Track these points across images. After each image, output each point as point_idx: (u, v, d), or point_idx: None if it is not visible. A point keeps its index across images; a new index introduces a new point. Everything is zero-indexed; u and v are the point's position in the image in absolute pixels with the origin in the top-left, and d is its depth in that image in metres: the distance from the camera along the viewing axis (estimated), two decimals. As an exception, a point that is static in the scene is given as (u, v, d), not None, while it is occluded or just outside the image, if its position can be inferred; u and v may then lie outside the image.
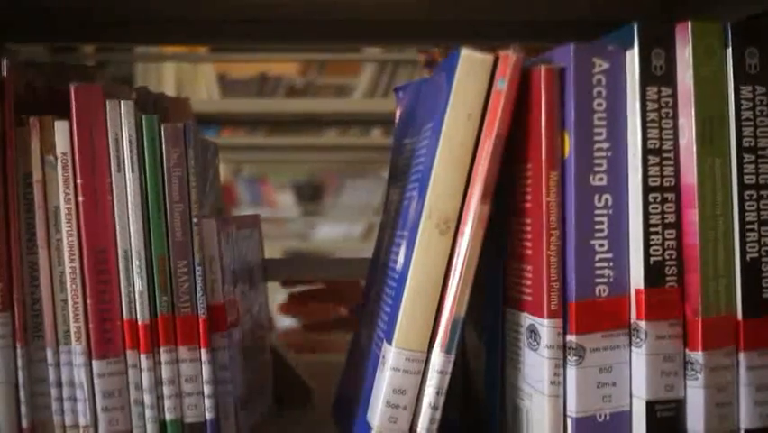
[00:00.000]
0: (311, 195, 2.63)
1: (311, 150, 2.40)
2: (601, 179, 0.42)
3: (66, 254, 0.47)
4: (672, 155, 0.42)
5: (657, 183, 0.42)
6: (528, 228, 0.44)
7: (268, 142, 2.62)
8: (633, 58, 0.42)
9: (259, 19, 0.72)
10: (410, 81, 0.58)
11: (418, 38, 0.80)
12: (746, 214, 0.42)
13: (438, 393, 0.43)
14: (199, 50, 2.15)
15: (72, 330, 0.47)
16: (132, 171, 0.47)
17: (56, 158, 0.47)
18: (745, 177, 0.42)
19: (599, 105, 0.42)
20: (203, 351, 0.48)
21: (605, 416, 0.43)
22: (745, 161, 0.42)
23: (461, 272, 0.43)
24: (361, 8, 0.69)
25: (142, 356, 0.48)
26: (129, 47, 1.85)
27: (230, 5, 0.68)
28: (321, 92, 2.30)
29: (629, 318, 0.43)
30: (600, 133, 0.42)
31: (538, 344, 0.44)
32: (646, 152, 0.42)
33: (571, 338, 0.42)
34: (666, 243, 0.42)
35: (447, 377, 0.43)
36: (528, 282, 0.45)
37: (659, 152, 0.42)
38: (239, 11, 0.69)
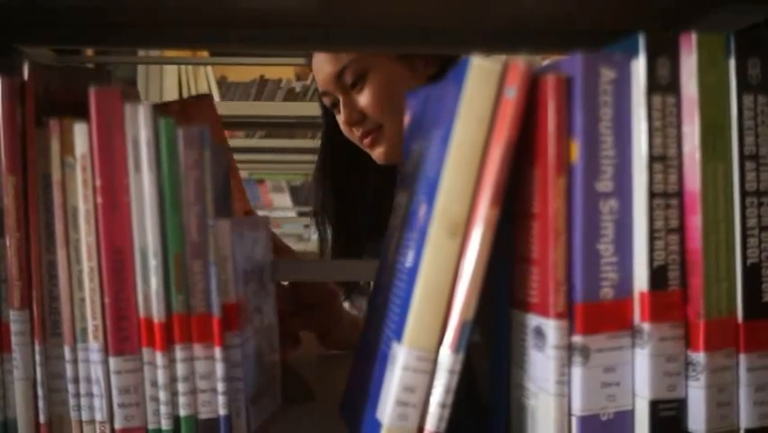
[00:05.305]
0: (308, 197, 2.65)
1: (308, 152, 2.42)
2: (607, 185, 0.43)
3: (84, 254, 0.48)
4: (675, 162, 0.43)
5: (661, 189, 0.43)
6: (535, 232, 0.45)
7: (266, 144, 2.64)
8: (638, 67, 0.43)
9: (259, 24, 0.73)
10: (420, 87, 0.59)
11: (422, 45, 0.81)
12: (747, 220, 0.43)
13: (447, 392, 0.44)
14: (201, 53, 2.16)
15: (90, 328, 0.48)
16: (150, 173, 0.48)
17: (75, 159, 0.48)
18: (747, 184, 0.43)
19: (605, 113, 0.43)
20: (217, 349, 0.49)
21: (609, 415, 0.44)
22: (746, 168, 0.43)
23: (470, 275, 0.44)
24: (365, 14, 0.70)
25: (158, 354, 0.49)
26: (132, 50, 1.86)
27: (230, 10, 0.69)
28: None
29: (633, 320, 0.44)
30: (606, 141, 0.43)
31: (544, 344, 0.45)
32: (651, 158, 0.43)
33: (576, 339, 0.44)
34: (669, 247, 0.43)
35: (456, 376, 0.44)
36: (535, 284, 0.46)
37: (663, 159, 0.43)
38: (239, 16, 0.71)
